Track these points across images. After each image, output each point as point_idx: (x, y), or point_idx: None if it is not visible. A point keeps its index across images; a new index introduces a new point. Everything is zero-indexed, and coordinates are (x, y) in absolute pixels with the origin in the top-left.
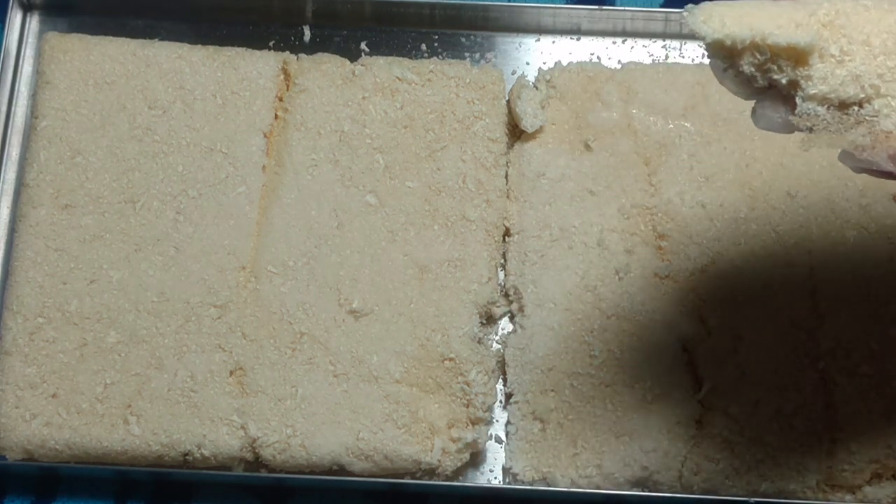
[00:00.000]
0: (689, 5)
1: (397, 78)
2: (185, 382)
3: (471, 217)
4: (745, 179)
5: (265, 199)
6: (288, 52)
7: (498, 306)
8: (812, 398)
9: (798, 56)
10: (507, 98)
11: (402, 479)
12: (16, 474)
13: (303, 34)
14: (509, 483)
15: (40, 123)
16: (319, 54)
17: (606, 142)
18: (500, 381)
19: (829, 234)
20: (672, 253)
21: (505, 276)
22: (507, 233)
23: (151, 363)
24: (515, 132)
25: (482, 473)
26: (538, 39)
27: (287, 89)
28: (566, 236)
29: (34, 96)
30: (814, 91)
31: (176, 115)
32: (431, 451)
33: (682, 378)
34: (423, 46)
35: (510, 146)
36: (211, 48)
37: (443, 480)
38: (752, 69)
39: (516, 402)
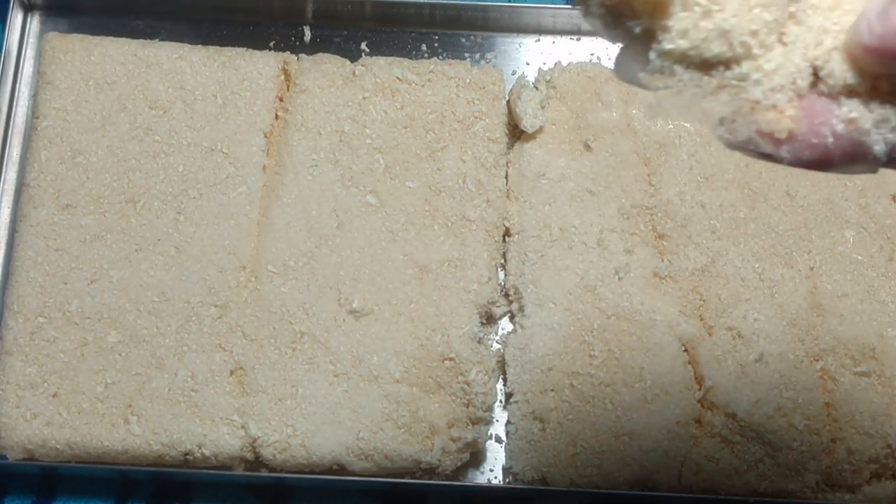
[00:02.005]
0: None
1: (397, 78)
2: (186, 382)
3: (471, 217)
4: (745, 179)
5: (265, 199)
6: (288, 53)
7: (498, 306)
8: (812, 398)
9: (656, 2)
10: (507, 98)
11: (402, 478)
12: (16, 474)
13: (303, 34)
14: (509, 483)
15: (41, 123)
16: (320, 54)
17: (606, 142)
18: (500, 380)
19: (829, 234)
20: (672, 253)
21: (505, 276)
22: (507, 233)
23: (152, 363)
24: (515, 132)
25: (482, 473)
26: (538, 40)
27: (287, 89)
28: (566, 236)
29: (35, 96)
30: (671, 46)
31: (176, 116)
32: (431, 450)
33: (682, 378)
34: (423, 47)
35: (510, 146)
36: (211, 48)
37: (443, 480)
38: (604, 12)
39: (516, 402)
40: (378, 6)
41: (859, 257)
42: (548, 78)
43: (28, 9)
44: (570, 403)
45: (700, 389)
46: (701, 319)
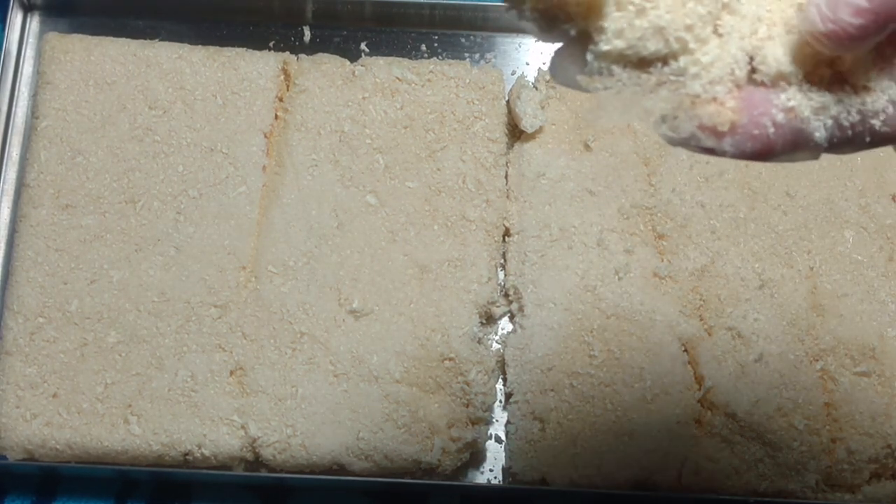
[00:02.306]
0: None
1: (397, 78)
2: (186, 382)
3: (471, 217)
4: (745, 179)
5: (265, 199)
6: (288, 53)
7: (498, 306)
8: (812, 398)
9: (589, 3)
10: (506, 98)
11: (402, 478)
12: (16, 474)
13: (303, 34)
14: (509, 483)
15: (41, 124)
16: (319, 54)
17: (606, 142)
18: (500, 380)
19: (829, 234)
20: (672, 253)
21: (505, 276)
22: (507, 233)
23: (152, 363)
24: (515, 132)
25: (482, 473)
26: (538, 40)
27: (287, 89)
28: (566, 236)
29: (35, 97)
30: (607, 47)
31: (176, 116)
32: (431, 450)
33: (682, 378)
34: (423, 47)
35: (510, 146)
36: (211, 48)
37: (443, 480)
38: (537, 15)
39: (516, 402)
40: (378, 6)
41: (859, 257)
42: (547, 78)
43: (28, 9)
44: (569, 403)
45: (700, 389)
46: (701, 319)
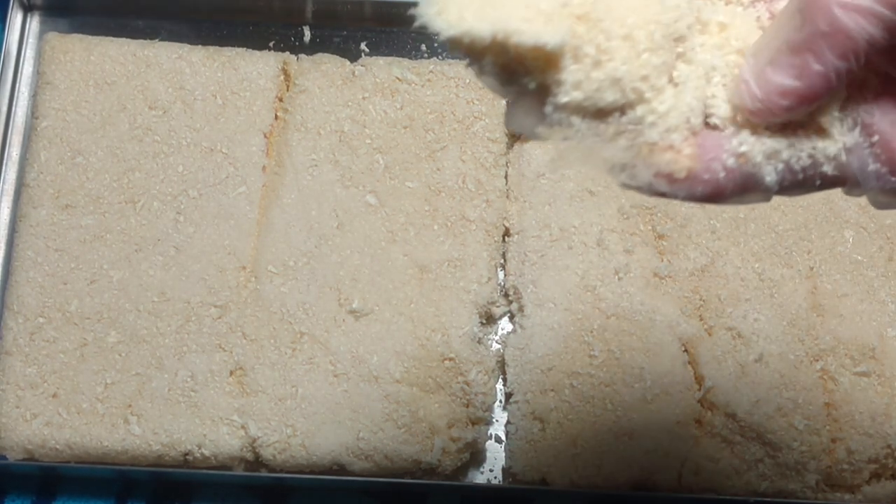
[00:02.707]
0: None
1: (397, 78)
2: (186, 382)
3: (471, 217)
4: None
5: (265, 199)
6: (288, 53)
7: (498, 306)
8: (812, 398)
9: (548, 58)
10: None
11: (402, 478)
12: (16, 474)
13: (303, 34)
14: (509, 483)
15: (41, 124)
16: (319, 54)
17: None
18: (500, 380)
19: (829, 234)
20: (672, 253)
21: (505, 276)
22: (507, 233)
23: (152, 363)
24: (515, 132)
25: (482, 473)
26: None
27: (287, 90)
28: (566, 236)
29: (35, 97)
30: (566, 99)
31: (176, 116)
32: (431, 450)
33: (682, 378)
34: (423, 47)
35: (510, 146)
36: (211, 48)
37: (443, 480)
38: (497, 70)
39: (516, 402)
40: (378, 6)
41: (859, 257)
42: None
43: (28, 9)
44: (569, 403)
45: (700, 389)
46: (701, 319)
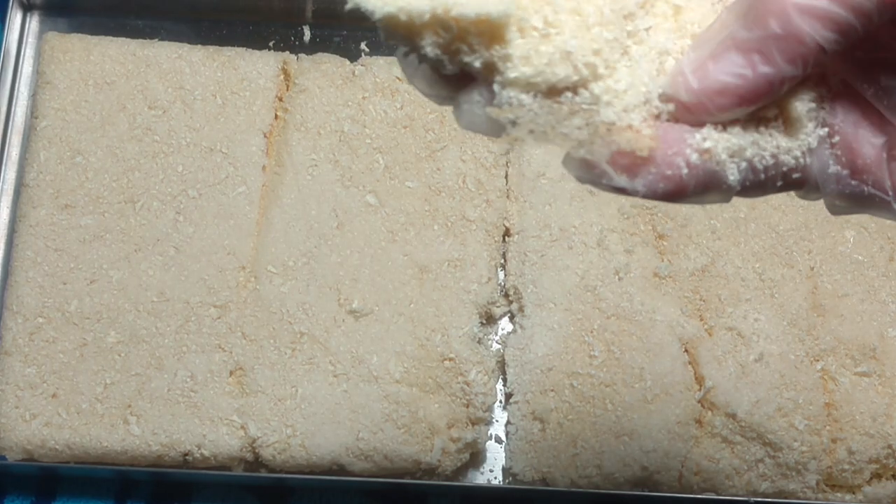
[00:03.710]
0: None
1: (397, 78)
2: (185, 382)
3: (471, 217)
4: None
5: (265, 199)
6: (288, 52)
7: (498, 306)
8: (812, 398)
9: (492, 31)
10: None
11: (402, 478)
12: (16, 474)
13: (303, 34)
14: (509, 483)
15: (40, 123)
16: (319, 54)
17: None
18: (500, 381)
19: (830, 234)
20: (672, 253)
21: (505, 276)
22: (507, 233)
23: (151, 363)
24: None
25: (482, 473)
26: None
27: (287, 89)
28: (566, 236)
29: (34, 96)
30: (514, 74)
31: (176, 116)
32: (431, 451)
33: (682, 378)
34: None
35: (510, 146)
36: (211, 48)
37: (443, 480)
38: (438, 52)
39: (516, 402)
40: None
41: (860, 257)
42: None
43: (27, 8)
44: (570, 404)
45: (700, 390)
46: (701, 319)
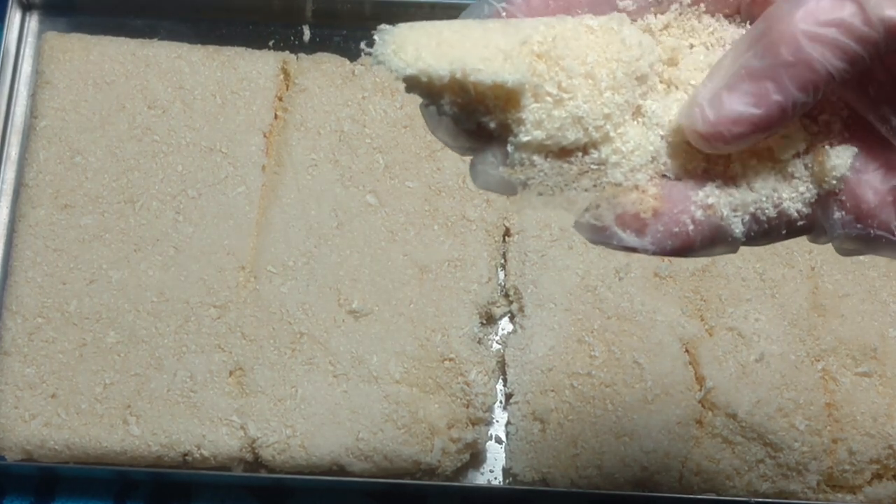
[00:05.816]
0: (381, 27)
1: (397, 78)
2: (185, 383)
3: (471, 217)
4: None
5: (265, 199)
6: (288, 52)
7: (498, 306)
8: (813, 398)
9: (508, 96)
10: None
11: (402, 479)
12: (15, 474)
13: (303, 34)
14: (509, 483)
15: (39, 123)
16: (319, 54)
17: None
18: (500, 381)
19: None
20: None
21: (505, 276)
22: (507, 233)
23: (151, 363)
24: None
25: (482, 473)
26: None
27: (287, 89)
28: (566, 236)
29: (33, 96)
30: (527, 138)
31: (175, 115)
32: (431, 451)
33: (682, 378)
34: None
35: None
36: (210, 48)
37: (443, 481)
38: (456, 110)
39: (516, 403)
40: (378, 6)
41: (860, 257)
42: None
43: (26, 8)
44: (570, 404)
45: (701, 390)
46: (702, 320)
